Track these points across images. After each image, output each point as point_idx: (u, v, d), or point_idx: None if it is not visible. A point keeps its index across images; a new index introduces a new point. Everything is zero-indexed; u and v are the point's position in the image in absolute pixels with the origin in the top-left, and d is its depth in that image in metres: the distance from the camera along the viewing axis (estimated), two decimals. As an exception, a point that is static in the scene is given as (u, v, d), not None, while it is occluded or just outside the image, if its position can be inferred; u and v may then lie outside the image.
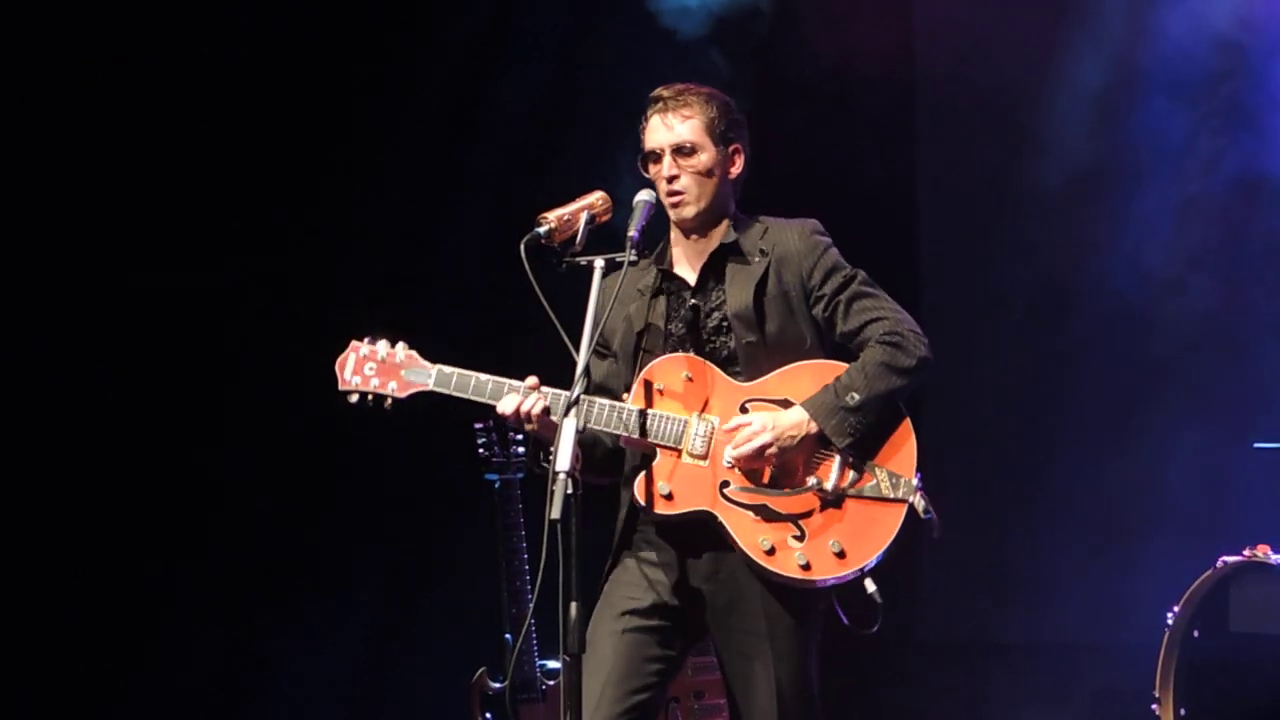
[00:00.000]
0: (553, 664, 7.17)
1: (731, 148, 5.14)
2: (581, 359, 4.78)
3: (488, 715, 7.25)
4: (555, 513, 4.55)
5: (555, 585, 4.59)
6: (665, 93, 5.12)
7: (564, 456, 4.63)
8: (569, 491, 4.58)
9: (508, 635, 7.26)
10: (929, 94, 8.64)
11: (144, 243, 7.78)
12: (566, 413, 4.72)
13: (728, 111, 5.13)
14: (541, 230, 4.97)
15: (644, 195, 5.02)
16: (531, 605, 5.05)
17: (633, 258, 4.94)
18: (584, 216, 5.01)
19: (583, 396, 4.81)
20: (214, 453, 7.91)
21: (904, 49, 8.53)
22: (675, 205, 5.09)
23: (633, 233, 4.95)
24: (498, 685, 7.25)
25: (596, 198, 5.07)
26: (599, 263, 4.96)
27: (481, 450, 7.24)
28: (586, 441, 5.00)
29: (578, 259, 5.00)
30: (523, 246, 4.92)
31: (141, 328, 7.79)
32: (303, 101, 7.96)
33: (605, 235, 5.08)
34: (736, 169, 5.16)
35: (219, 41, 7.81)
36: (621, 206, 5.08)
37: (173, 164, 7.81)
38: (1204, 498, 7.98)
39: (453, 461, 7.51)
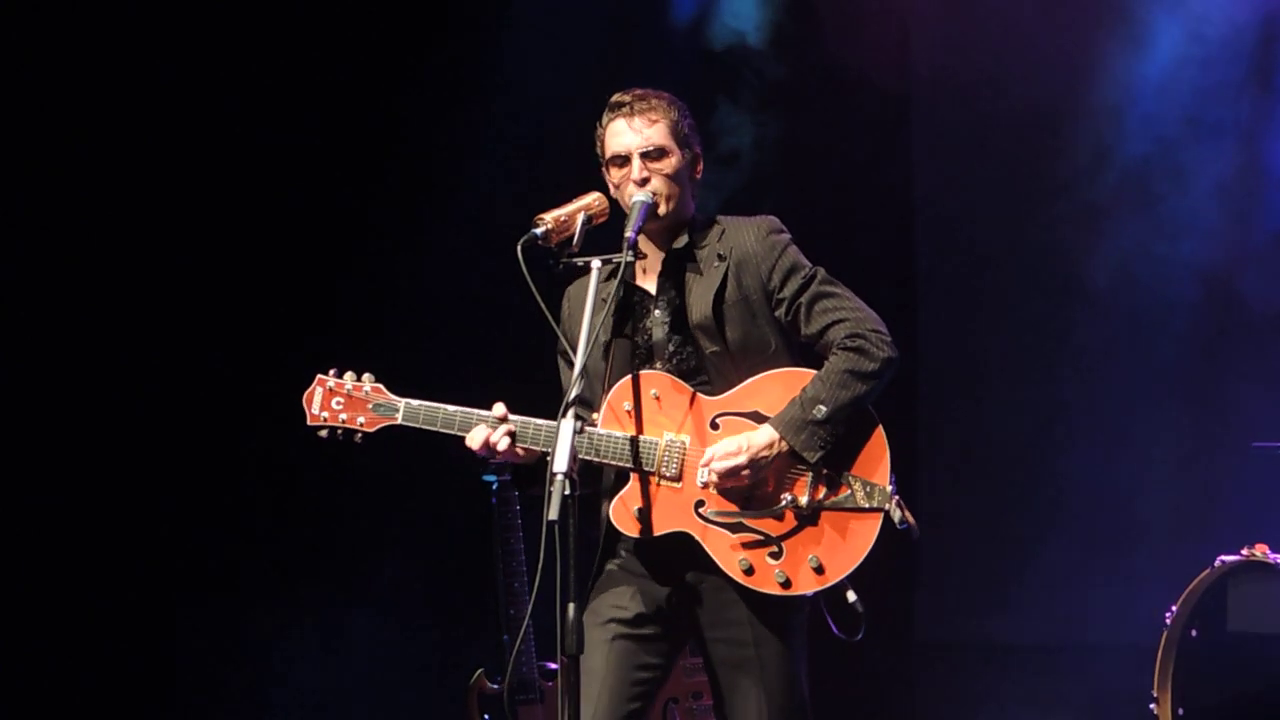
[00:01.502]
0: (551, 665, 7.17)
1: (694, 151, 5.12)
2: (579, 361, 4.77)
3: (486, 716, 7.25)
4: (553, 514, 4.54)
5: (553, 586, 4.58)
6: (626, 97, 5.07)
7: (561, 458, 4.61)
8: (567, 493, 4.56)
9: (506, 636, 7.26)
10: (924, 97, 8.63)
11: (168, 244, 7.81)
12: (563, 415, 4.71)
13: (686, 115, 5.11)
14: (538, 231, 4.94)
15: (641, 196, 4.98)
16: (530, 606, 5.03)
17: (629, 258, 4.91)
18: (581, 218, 4.98)
19: (552, 423, 4.81)
20: (215, 456, 7.91)
21: (900, 53, 8.53)
22: None
23: (629, 234, 4.92)
24: (496, 686, 7.26)
25: (593, 199, 5.05)
26: (596, 264, 4.94)
27: (484, 457, 7.22)
28: None
29: (574, 260, 4.99)
30: (519, 248, 4.90)
31: (155, 334, 7.81)
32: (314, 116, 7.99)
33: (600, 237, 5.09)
34: (699, 172, 5.14)
35: (218, 58, 7.83)
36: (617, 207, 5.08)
37: (177, 174, 7.83)
38: (1202, 497, 7.99)
39: (450, 463, 7.50)
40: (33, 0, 7.61)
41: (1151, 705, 6.79)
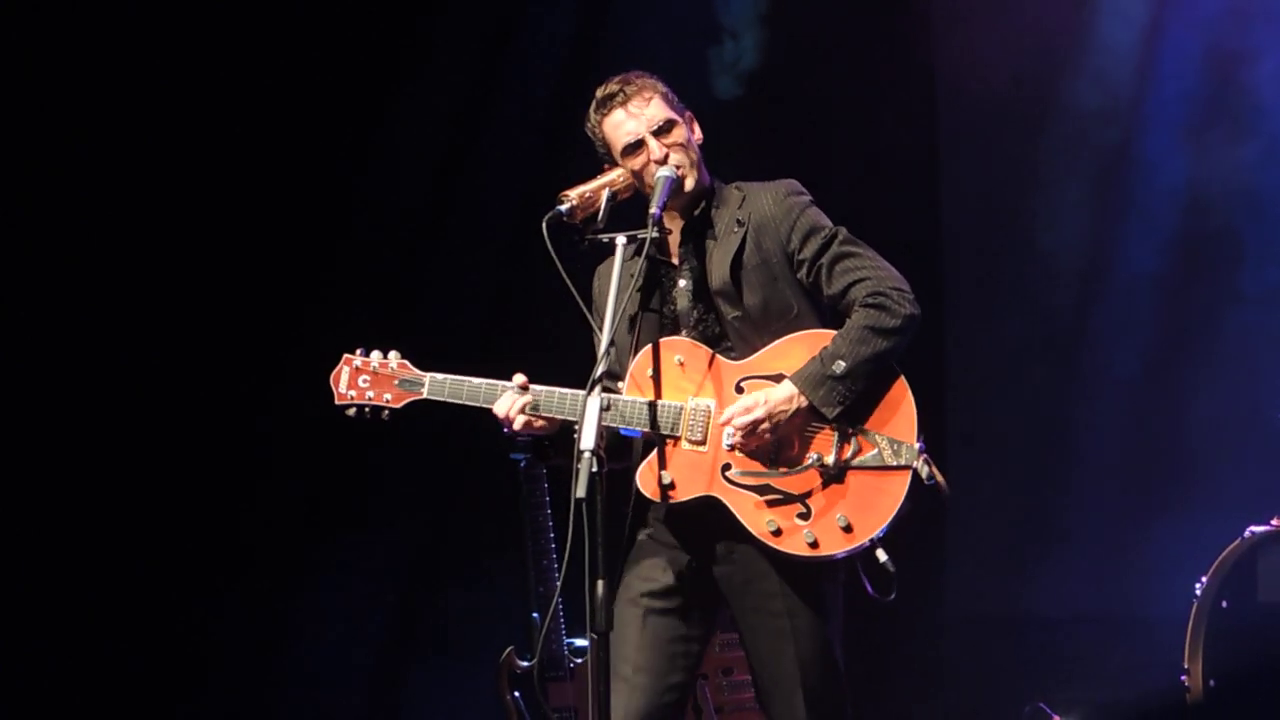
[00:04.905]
0: (580, 642, 7.18)
1: (687, 115, 5.12)
2: (605, 337, 4.78)
3: (516, 694, 7.26)
4: (581, 491, 4.54)
5: (582, 563, 4.59)
6: (614, 87, 5.07)
7: (588, 435, 4.62)
8: (594, 470, 4.57)
9: (535, 614, 7.27)
10: (950, 83, 8.60)
11: (196, 240, 7.83)
12: (589, 392, 4.71)
13: (665, 82, 5.12)
14: (563, 208, 4.96)
15: (665, 171, 4.98)
16: (558, 584, 5.04)
17: (655, 234, 4.91)
18: (605, 194, 4.99)
19: (578, 392, 4.85)
20: (242, 435, 7.93)
21: (923, 36, 8.52)
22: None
23: (654, 209, 4.91)
24: (526, 664, 7.27)
25: (618, 174, 5.06)
26: (621, 240, 4.94)
27: (506, 430, 7.23)
28: None
29: (599, 236, 4.99)
30: (545, 224, 4.92)
31: (170, 316, 7.82)
32: (320, 102, 7.98)
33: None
34: (698, 135, 5.13)
35: (221, 46, 7.81)
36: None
37: (182, 162, 7.82)
38: (1231, 468, 7.97)
39: (478, 441, 7.51)
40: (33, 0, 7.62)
41: (1183, 676, 6.77)
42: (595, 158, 5.13)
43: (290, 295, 7.91)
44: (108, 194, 7.71)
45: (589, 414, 4.66)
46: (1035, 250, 8.45)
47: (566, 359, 5.15)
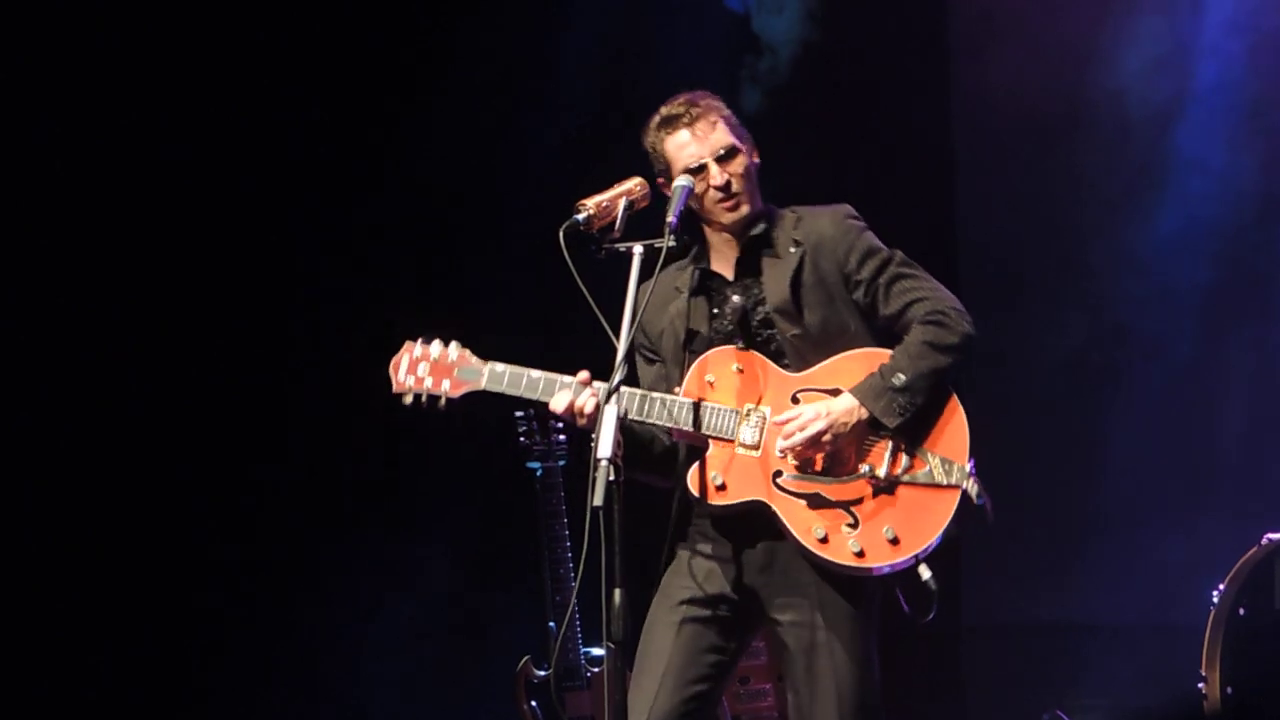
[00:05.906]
0: (597, 651, 7.18)
1: (748, 140, 5.15)
2: (621, 345, 4.78)
3: (533, 703, 7.27)
4: (598, 500, 4.55)
5: (598, 573, 4.59)
6: (679, 108, 5.09)
7: (605, 444, 4.63)
8: (611, 479, 4.58)
9: (551, 623, 7.27)
10: (966, 99, 8.60)
11: (209, 237, 7.85)
12: (607, 400, 4.71)
13: (727, 106, 5.15)
14: (580, 217, 4.95)
15: (682, 180, 5.00)
16: (575, 593, 5.05)
17: (671, 243, 4.92)
18: (622, 203, 4.99)
19: (634, 390, 4.90)
20: (260, 443, 7.94)
21: (940, 57, 8.54)
22: (733, 209, 5.07)
23: (671, 218, 4.92)
24: (542, 673, 7.27)
25: (634, 184, 5.05)
26: (638, 249, 4.94)
27: (523, 439, 7.25)
28: (644, 438, 5.04)
29: (617, 245, 4.99)
30: (562, 234, 4.92)
31: (192, 312, 7.85)
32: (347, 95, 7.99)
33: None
34: (757, 160, 5.16)
35: (246, 39, 7.83)
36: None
37: (195, 159, 7.85)
38: (1248, 475, 7.96)
39: (494, 450, 7.52)
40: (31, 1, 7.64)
41: (1200, 684, 6.76)
42: (616, 170, 5.14)
43: (317, 293, 7.94)
44: (125, 190, 7.74)
45: (606, 421, 4.67)
46: (1056, 256, 8.45)
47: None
